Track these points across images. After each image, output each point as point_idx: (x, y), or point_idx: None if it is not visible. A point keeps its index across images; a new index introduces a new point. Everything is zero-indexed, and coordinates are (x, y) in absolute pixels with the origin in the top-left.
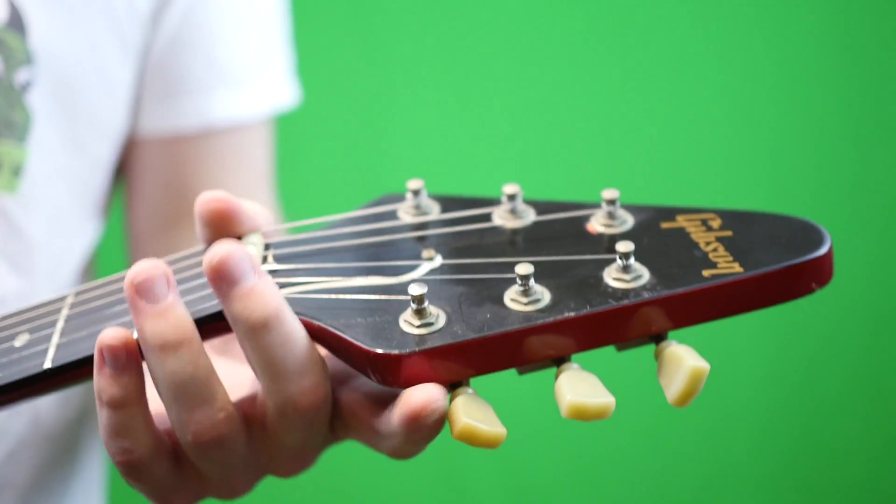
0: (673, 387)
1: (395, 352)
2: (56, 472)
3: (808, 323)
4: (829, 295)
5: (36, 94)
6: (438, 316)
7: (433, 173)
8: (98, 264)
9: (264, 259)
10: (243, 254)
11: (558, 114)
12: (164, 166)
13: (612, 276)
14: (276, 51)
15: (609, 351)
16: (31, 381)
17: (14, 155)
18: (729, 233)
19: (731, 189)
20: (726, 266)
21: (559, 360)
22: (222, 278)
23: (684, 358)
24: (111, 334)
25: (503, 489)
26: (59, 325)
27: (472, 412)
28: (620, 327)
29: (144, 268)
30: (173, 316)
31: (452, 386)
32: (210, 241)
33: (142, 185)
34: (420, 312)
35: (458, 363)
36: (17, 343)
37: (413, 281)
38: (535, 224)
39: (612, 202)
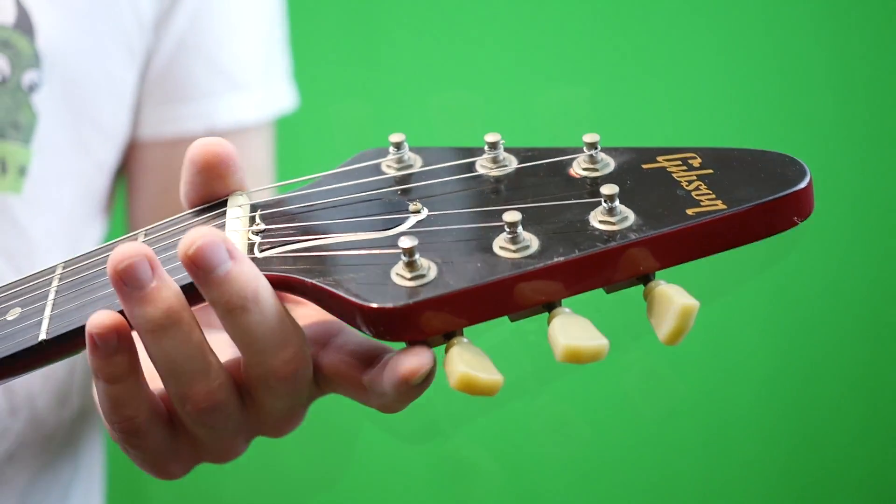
0: (664, 325)
1: (390, 305)
2: (56, 472)
3: (809, 325)
4: (830, 295)
5: (42, 96)
6: (430, 268)
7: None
8: None
9: (252, 220)
10: (219, 240)
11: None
12: (165, 169)
13: (597, 220)
14: (276, 54)
15: (610, 335)
16: (27, 354)
17: (19, 155)
18: (710, 171)
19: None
20: (709, 204)
21: (550, 307)
22: (198, 266)
23: (674, 297)
24: (99, 320)
25: (503, 489)
26: (51, 297)
27: (469, 361)
28: (609, 269)
29: (126, 253)
30: (160, 299)
31: (447, 336)
32: (198, 193)
33: (143, 188)
34: (411, 265)
35: (451, 313)
36: (10, 317)
37: (402, 234)
38: (518, 171)
39: (593, 146)
